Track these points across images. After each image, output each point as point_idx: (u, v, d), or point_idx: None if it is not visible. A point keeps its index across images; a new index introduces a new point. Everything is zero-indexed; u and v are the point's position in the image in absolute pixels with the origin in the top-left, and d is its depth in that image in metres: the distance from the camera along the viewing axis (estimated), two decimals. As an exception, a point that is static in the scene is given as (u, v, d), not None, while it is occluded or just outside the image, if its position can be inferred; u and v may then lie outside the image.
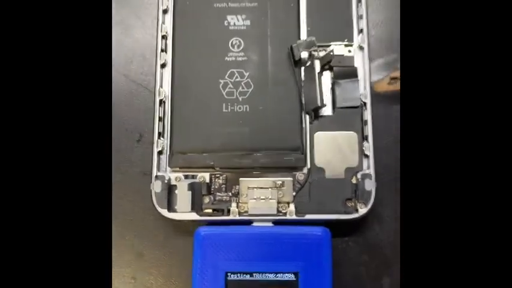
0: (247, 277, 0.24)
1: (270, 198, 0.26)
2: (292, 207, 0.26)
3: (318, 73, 0.27)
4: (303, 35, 0.28)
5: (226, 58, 0.28)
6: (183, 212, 0.26)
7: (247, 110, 0.27)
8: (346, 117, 0.27)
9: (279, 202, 0.26)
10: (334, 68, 0.27)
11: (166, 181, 0.26)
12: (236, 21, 0.28)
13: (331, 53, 0.27)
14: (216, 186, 0.27)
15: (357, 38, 0.28)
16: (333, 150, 0.26)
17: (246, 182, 0.26)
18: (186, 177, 0.27)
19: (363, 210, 0.26)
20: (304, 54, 0.27)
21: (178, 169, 0.27)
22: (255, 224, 0.26)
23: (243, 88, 0.27)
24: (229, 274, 0.24)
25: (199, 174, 0.27)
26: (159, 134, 0.27)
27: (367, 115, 0.27)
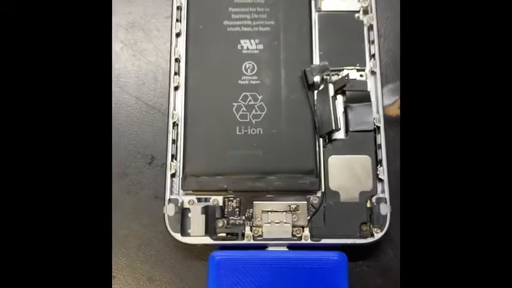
0: (263, 303, 0.24)
1: (285, 222, 0.26)
2: (307, 231, 0.26)
3: (332, 97, 0.27)
4: (316, 59, 0.28)
5: (239, 81, 0.28)
6: (197, 236, 0.26)
7: (261, 132, 0.27)
8: (360, 141, 0.27)
9: (293, 226, 0.26)
10: (347, 92, 0.27)
11: (179, 204, 0.26)
12: (249, 45, 0.28)
13: (347, 78, 0.27)
14: (230, 210, 0.26)
15: (368, 63, 0.28)
16: (347, 173, 0.26)
17: (260, 206, 0.26)
18: (199, 200, 0.26)
19: (378, 235, 0.25)
20: (317, 79, 0.27)
21: (191, 192, 0.26)
22: (269, 248, 0.25)
23: (256, 111, 0.27)
24: (244, 300, 0.24)
25: (213, 198, 0.26)
26: (172, 156, 0.27)
27: (381, 139, 0.27)
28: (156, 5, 0.31)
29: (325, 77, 0.28)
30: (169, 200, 0.26)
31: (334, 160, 0.27)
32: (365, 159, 0.27)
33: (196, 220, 0.26)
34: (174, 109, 0.28)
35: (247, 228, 0.26)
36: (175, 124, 0.27)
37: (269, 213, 0.26)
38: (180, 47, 0.29)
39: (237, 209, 0.26)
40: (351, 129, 0.27)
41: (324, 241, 0.25)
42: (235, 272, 0.24)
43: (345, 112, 0.27)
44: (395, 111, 0.29)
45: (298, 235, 0.26)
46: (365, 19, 0.29)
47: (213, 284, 0.24)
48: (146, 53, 0.30)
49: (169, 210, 0.26)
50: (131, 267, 0.27)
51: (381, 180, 0.26)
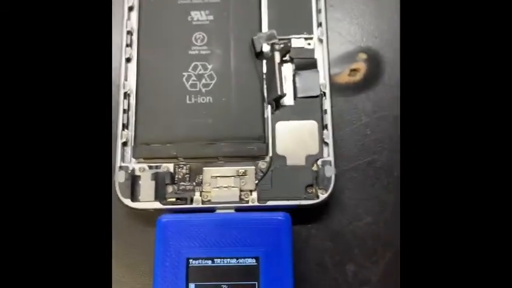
0: (209, 263, 0.24)
1: (233, 187, 0.26)
2: (254, 194, 0.26)
3: (278, 64, 0.27)
4: (264, 29, 0.29)
5: (189, 52, 0.28)
6: (146, 202, 0.26)
7: (211, 101, 0.27)
8: (307, 106, 0.27)
9: (242, 190, 0.26)
10: (295, 60, 0.28)
11: (129, 171, 0.27)
12: (200, 16, 0.29)
13: (289, 44, 0.28)
14: (180, 176, 0.27)
15: (316, 31, 0.29)
16: (294, 138, 0.27)
17: (209, 171, 0.27)
18: (150, 167, 0.27)
19: (323, 196, 0.26)
20: (266, 47, 0.28)
21: (142, 160, 0.27)
22: (217, 211, 0.26)
23: (206, 80, 0.28)
24: (190, 260, 0.24)
25: (163, 165, 0.27)
26: (124, 125, 0.27)
27: (327, 104, 0.27)
28: (110, -20, 0.31)
29: (274, 45, 0.28)
30: (120, 167, 0.27)
31: (282, 126, 0.27)
32: (311, 124, 0.27)
33: (146, 186, 0.26)
34: (126, 80, 0.28)
35: (197, 194, 0.26)
36: (126, 94, 0.28)
37: (218, 178, 0.27)
38: (133, 20, 0.29)
39: (187, 175, 0.27)
40: (298, 95, 0.28)
41: (270, 203, 0.26)
42: (181, 234, 0.25)
43: (293, 79, 0.28)
44: (344, 78, 0.30)
45: (246, 199, 0.26)
46: (313, -12, 0.29)
47: (160, 246, 0.25)
48: (101, 28, 0.31)
49: (120, 177, 0.26)
50: (86, 234, 0.28)
51: (326, 144, 0.27)
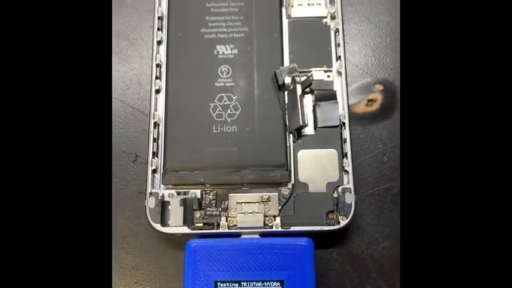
0: (236, 286, 0.26)
1: (257, 212, 0.28)
2: (278, 220, 0.28)
3: (300, 96, 0.29)
4: (286, 62, 0.30)
5: (215, 84, 0.30)
6: (175, 226, 0.28)
7: (236, 130, 0.29)
8: (327, 136, 0.29)
9: (265, 216, 0.28)
10: (315, 91, 0.30)
11: (159, 197, 0.28)
12: (225, 50, 0.31)
13: (311, 78, 0.29)
14: (207, 202, 0.28)
15: (335, 64, 0.30)
16: (315, 166, 0.28)
17: (234, 197, 0.28)
18: (179, 193, 0.28)
19: (344, 222, 0.27)
20: (287, 79, 0.30)
21: (171, 186, 0.29)
22: (243, 236, 0.27)
23: (231, 111, 0.29)
24: (218, 283, 0.26)
25: (191, 191, 0.28)
26: (154, 153, 0.29)
27: (346, 134, 0.29)
28: (140, 16, 0.33)
29: (294, 77, 0.30)
30: (151, 193, 0.28)
31: (303, 154, 0.29)
32: (332, 153, 0.29)
33: (175, 211, 0.28)
34: (156, 110, 0.30)
35: (223, 219, 0.28)
36: (156, 124, 0.30)
37: (243, 204, 0.28)
38: (162, 54, 0.31)
39: (213, 201, 0.28)
40: (318, 125, 0.29)
41: (293, 229, 0.27)
42: (210, 258, 0.26)
43: (313, 110, 0.30)
44: (361, 108, 0.31)
45: (270, 224, 0.28)
46: (332, 24, 0.31)
47: (190, 269, 0.26)
48: (131, 60, 0.33)
49: (150, 202, 0.28)
50: (117, 257, 0.29)
51: (346, 171, 0.28)
